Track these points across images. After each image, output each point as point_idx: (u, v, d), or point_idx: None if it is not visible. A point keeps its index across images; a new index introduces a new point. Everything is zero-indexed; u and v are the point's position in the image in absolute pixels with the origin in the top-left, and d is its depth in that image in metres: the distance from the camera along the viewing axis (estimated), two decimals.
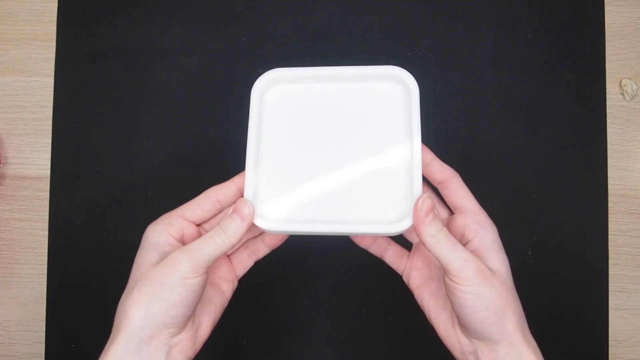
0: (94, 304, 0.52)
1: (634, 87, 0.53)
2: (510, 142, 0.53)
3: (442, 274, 0.39)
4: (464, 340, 0.38)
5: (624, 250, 0.53)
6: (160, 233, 0.39)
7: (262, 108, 0.43)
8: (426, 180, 0.43)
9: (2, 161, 0.53)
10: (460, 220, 0.40)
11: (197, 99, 0.53)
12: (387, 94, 0.42)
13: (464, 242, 0.39)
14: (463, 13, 0.54)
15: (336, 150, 0.41)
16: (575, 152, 0.53)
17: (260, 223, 0.39)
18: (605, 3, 0.54)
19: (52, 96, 0.54)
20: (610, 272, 0.52)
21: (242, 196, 0.40)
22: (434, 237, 0.36)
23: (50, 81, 0.54)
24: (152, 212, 0.52)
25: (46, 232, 0.53)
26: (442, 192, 0.42)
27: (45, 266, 0.52)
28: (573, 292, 0.52)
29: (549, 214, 0.52)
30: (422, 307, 0.42)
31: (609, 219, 0.53)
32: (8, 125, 0.54)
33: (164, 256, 0.37)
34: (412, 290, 0.42)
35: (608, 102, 0.53)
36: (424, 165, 0.41)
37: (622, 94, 0.54)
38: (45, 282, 0.52)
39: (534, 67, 0.53)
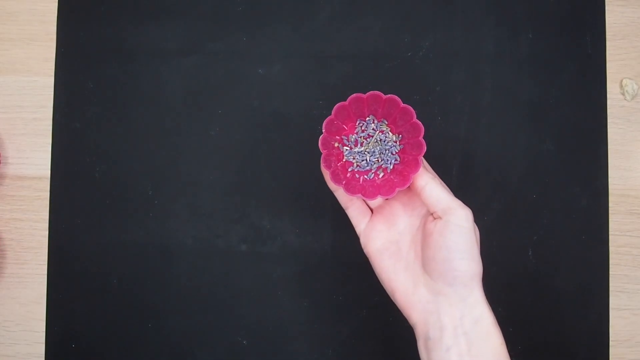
0: (94, 304, 0.52)
1: (635, 87, 0.53)
2: (511, 142, 0.53)
3: (403, 237, 0.42)
4: (426, 297, 0.39)
5: (625, 251, 0.53)
6: None
7: None
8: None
9: (2, 161, 0.53)
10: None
11: (197, 99, 0.53)
12: None
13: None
14: (463, 13, 0.54)
15: None
16: (575, 152, 0.53)
17: None
18: (606, 3, 0.54)
19: (52, 96, 0.54)
20: (610, 272, 0.52)
21: None
22: (434, 179, 0.40)
23: (50, 81, 0.54)
24: (152, 212, 0.53)
25: (46, 232, 0.53)
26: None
27: (45, 266, 0.52)
28: (574, 292, 0.52)
29: (549, 214, 0.52)
30: (378, 271, 0.42)
31: (610, 219, 0.53)
32: (8, 125, 0.54)
33: None
34: (369, 253, 0.43)
35: (609, 102, 0.53)
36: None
37: (623, 94, 0.54)
38: (45, 282, 0.52)
39: (534, 67, 0.53)
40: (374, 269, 0.42)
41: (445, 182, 0.52)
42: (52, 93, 0.54)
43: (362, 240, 0.43)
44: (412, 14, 0.54)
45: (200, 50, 0.54)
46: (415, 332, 0.40)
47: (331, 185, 0.43)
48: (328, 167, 0.41)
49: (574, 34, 0.54)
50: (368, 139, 0.43)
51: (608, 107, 0.53)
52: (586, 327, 0.52)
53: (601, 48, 0.54)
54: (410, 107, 0.40)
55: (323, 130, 0.41)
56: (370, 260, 0.43)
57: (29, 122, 0.54)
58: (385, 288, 0.42)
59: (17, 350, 0.52)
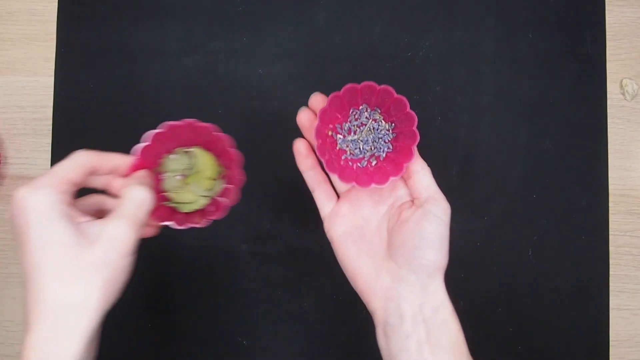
0: None
1: (635, 86, 0.53)
2: (511, 142, 0.53)
3: (368, 223, 0.42)
4: (387, 284, 0.39)
5: (625, 251, 0.53)
6: (57, 203, 0.34)
7: None
8: None
9: (2, 161, 0.53)
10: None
11: (197, 99, 0.53)
12: None
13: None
14: (463, 13, 0.54)
15: None
16: (575, 152, 0.53)
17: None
18: (606, 3, 0.54)
19: (52, 96, 0.54)
20: (610, 272, 0.52)
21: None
22: (427, 168, 0.41)
23: (50, 81, 0.54)
24: None
25: None
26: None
27: None
28: (574, 292, 0.52)
29: (549, 214, 0.52)
30: (341, 256, 0.42)
31: (610, 219, 0.53)
32: (8, 125, 0.54)
33: (76, 229, 0.33)
34: (332, 238, 0.42)
35: (609, 102, 0.53)
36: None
37: (623, 94, 0.54)
38: None
39: (534, 67, 0.53)
40: (336, 254, 0.42)
41: (445, 182, 0.52)
42: (52, 93, 0.54)
43: (326, 225, 0.43)
44: (412, 14, 0.54)
45: (200, 50, 0.54)
46: (375, 319, 0.40)
47: (301, 166, 0.43)
48: (323, 155, 0.41)
49: (574, 34, 0.54)
50: (361, 128, 0.43)
51: (608, 107, 0.53)
52: (586, 327, 0.52)
53: (601, 48, 0.54)
54: (404, 97, 0.40)
55: (317, 120, 0.41)
56: (333, 245, 0.42)
57: (29, 122, 0.54)
58: (346, 274, 0.42)
59: (17, 350, 0.52)
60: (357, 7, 0.54)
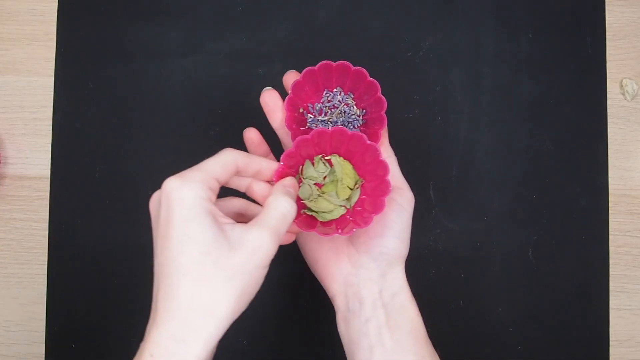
0: (94, 304, 0.52)
1: (635, 86, 0.53)
2: (510, 142, 0.53)
3: None
4: (347, 269, 0.39)
5: (625, 251, 0.53)
6: (205, 200, 0.32)
7: None
8: None
9: (2, 161, 0.53)
10: None
11: (197, 99, 0.53)
12: None
13: None
14: (463, 13, 0.54)
15: None
16: (575, 152, 0.53)
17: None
18: (606, 3, 0.54)
19: (52, 96, 0.54)
20: (610, 272, 0.52)
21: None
22: (394, 157, 0.41)
23: (50, 81, 0.54)
24: None
25: (46, 232, 0.53)
26: None
27: (45, 266, 0.52)
28: (574, 292, 0.52)
29: (549, 214, 0.52)
30: (302, 241, 0.42)
31: (610, 219, 0.53)
32: (8, 125, 0.54)
33: (220, 230, 0.32)
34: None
35: (609, 102, 0.53)
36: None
37: (623, 94, 0.54)
38: (45, 282, 0.52)
39: (534, 67, 0.53)
40: (297, 239, 0.42)
41: (445, 182, 0.53)
42: (52, 93, 0.54)
43: None
44: (412, 14, 0.54)
45: (200, 50, 0.54)
46: (335, 305, 0.40)
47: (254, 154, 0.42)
48: (290, 128, 0.41)
49: (574, 34, 0.54)
50: (332, 110, 0.43)
51: (608, 107, 0.53)
52: (586, 327, 0.52)
53: (601, 48, 0.54)
54: (376, 81, 0.41)
55: (290, 93, 0.41)
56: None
57: (29, 122, 0.54)
58: (306, 259, 0.42)
59: (17, 350, 0.52)
60: (357, 7, 0.54)
